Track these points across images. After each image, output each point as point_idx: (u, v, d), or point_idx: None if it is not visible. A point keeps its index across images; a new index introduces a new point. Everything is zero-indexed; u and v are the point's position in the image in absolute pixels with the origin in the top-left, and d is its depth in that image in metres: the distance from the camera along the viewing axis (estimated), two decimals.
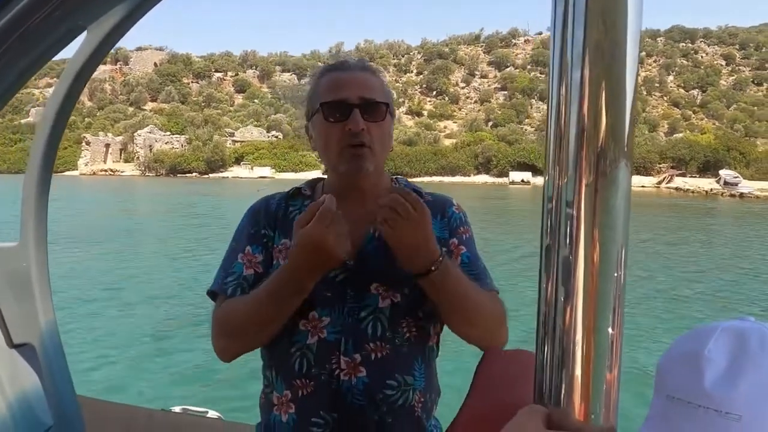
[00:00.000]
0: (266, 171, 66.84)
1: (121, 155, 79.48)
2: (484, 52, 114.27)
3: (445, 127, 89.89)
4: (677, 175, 61.17)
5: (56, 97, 1.52)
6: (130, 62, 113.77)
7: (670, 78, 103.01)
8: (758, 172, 59.07)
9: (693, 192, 53.63)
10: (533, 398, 0.39)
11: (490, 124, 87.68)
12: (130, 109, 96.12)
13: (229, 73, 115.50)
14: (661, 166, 63.92)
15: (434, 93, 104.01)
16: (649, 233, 21.21)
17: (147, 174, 71.81)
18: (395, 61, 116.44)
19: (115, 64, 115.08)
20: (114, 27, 1.37)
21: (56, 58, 1.44)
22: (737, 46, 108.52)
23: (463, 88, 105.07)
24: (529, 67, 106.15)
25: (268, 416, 1.24)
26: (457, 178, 64.81)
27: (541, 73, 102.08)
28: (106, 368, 7.21)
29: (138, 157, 74.68)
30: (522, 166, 64.97)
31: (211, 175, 70.45)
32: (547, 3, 0.43)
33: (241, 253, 1.23)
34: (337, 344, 1.16)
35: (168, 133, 79.31)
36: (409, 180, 1.34)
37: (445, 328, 1.28)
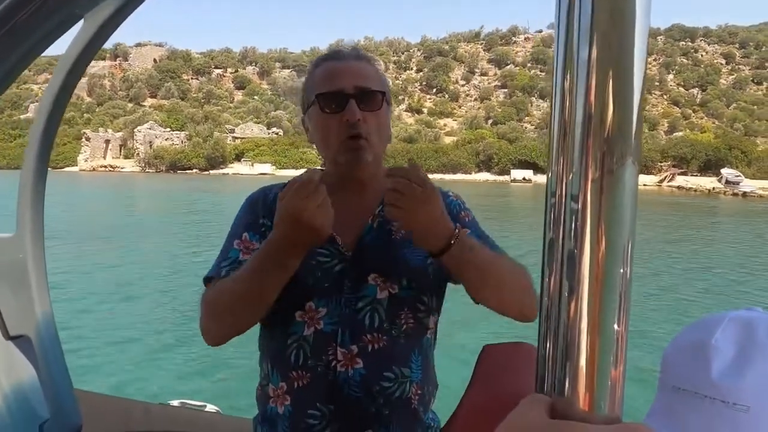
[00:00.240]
0: (266, 168, 66.94)
1: (120, 151, 79.47)
2: (484, 50, 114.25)
3: (445, 125, 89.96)
4: (678, 174, 61.22)
5: (52, 88, 1.51)
6: (129, 58, 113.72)
7: (670, 77, 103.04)
8: (760, 171, 59.17)
9: (695, 190, 53.65)
10: (535, 389, 0.39)
11: (490, 121, 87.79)
12: (130, 105, 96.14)
13: (229, 70, 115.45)
14: (662, 164, 63.95)
15: (434, 90, 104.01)
16: (650, 231, 21.23)
17: (147, 170, 71.88)
18: (395, 58, 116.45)
19: (115, 60, 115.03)
20: (111, 15, 1.36)
21: (55, 53, 1.42)
22: (737, 45, 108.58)
23: (463, 85, 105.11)
24: (529, 64, 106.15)
25: (264, 408, 1.22)
26: (459, 176, 64.95)
27: (541, 71, 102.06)
28: (107, 366, 7.21)
29: (138, 154, 74.74)
30: (523, 164, 65.07)
31: (211, 171, 70.58)
32: (547, 2, 0.43)
33: (238, 239, 1.21)
34: (333, 335, 1.14)
35: (168, 129, 79.34)
36: None
37: (440, 325, 1.26)
